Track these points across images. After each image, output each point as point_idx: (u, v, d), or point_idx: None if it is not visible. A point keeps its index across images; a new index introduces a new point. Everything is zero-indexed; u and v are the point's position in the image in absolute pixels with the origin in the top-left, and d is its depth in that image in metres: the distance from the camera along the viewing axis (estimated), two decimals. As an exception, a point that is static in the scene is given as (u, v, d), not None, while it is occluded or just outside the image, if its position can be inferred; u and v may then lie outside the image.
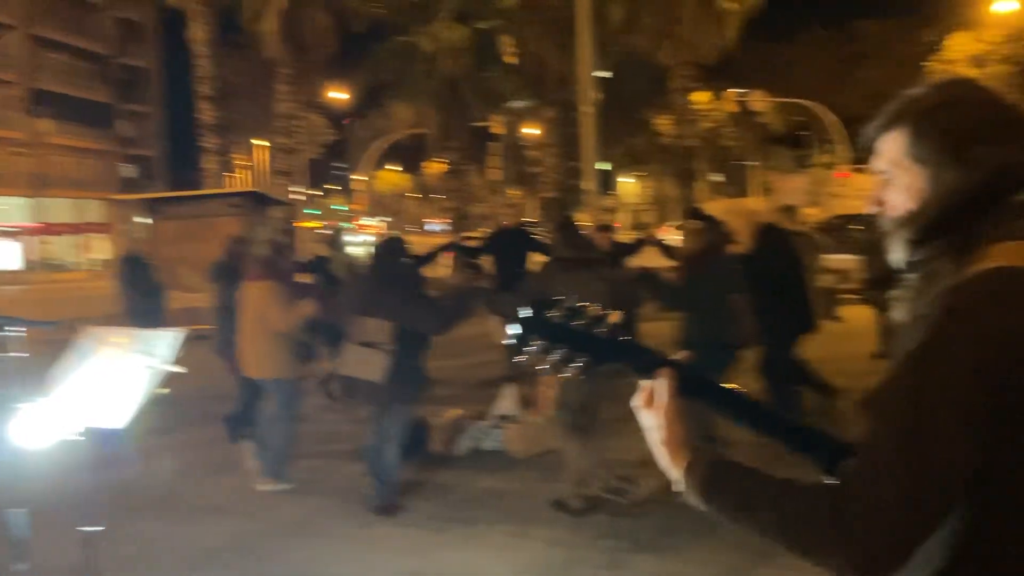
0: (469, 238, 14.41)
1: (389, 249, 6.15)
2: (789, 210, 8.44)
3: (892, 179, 1.39)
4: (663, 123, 42.20)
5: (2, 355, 2.86)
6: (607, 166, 46.90)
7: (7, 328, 2.84)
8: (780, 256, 7.13)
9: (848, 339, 10.41)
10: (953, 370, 1.19)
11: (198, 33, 26.82)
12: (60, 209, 56.10)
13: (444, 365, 10.88)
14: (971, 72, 35.39)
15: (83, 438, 3.29)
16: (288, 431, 6.55)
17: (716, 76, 41.36)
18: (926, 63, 37.62)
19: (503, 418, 7.36)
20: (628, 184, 69.52)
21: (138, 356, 3.11)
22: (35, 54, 53.82)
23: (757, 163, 56.77)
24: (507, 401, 7.54)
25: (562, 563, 4.97)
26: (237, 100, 39.29)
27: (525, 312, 1.46)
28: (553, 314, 1.44)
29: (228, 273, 7.43)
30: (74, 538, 3.94)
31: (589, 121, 16.65)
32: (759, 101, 35.20)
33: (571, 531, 5.44)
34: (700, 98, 33.62)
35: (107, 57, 60.60)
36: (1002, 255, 1.26)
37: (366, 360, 5.67)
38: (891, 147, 1.38)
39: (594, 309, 1.46)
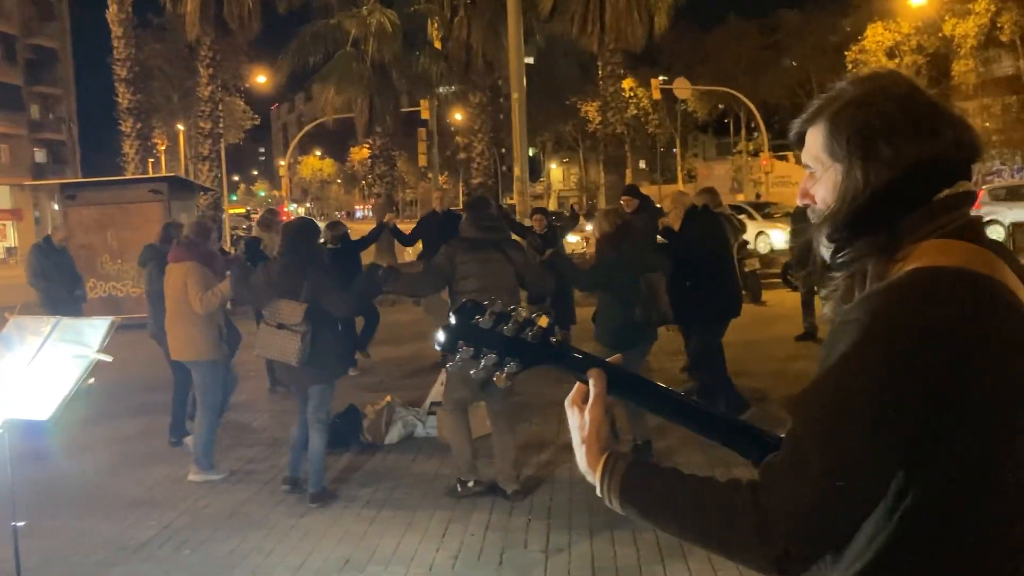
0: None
1: (300, 231, 6.09)
2: (711, 193, 8.57)
3: (816, 174, 1.38)
4: (590, 109, 42.53)
5: None
6: (533, 152, 47.09)
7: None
8: (709, 238, 7.27)
9: (773, 322, 10.68)
10: (875, 374, 1.19)
11: (115, 13, 25.91)
12: (-33, 195, 53.74)
13: (377, 352, 10.85)
14: (885, 62, 36.56)
15: (2, 431, 3.18)
16: (211, 417, 6.47)
17: (641, 63, 41.85)
18: (845, 52, 38.69)
19: (437, 405, 7.34)
20: (556, 170, 69.90)
21: (65, 345, 3.02)
22: (-63, 32, 51.31)
23: (681, 151, 57.77)
24: (441, 388, 7.53)
25: (499, 547, 5.00)
26: (156, 82, 38.12)
27: (452, 318, 1.46)
28: (480, 320, 1.44)
29: (160, 257, 7.27)
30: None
31: (519, 107, 16.66)
32: (683, 89, 35.65)
33: (507, 515, 5.47)
34: (626, 85, 33.91)
35: (14, 37, 58.11)
36: (926, 254, 1.27)
37: (281, 342, 5.64)
38: (812, 143, 1.37)
39: (524, 312, 1.46)
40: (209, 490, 6.23)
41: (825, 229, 1.36)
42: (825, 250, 1.38)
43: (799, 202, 1.43)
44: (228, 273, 6.44)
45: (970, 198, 1.34)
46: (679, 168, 57.88)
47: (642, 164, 62.10)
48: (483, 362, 1.43)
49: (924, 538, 1.25)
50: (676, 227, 7.33)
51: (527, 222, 12.03)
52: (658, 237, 7.56)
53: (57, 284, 9.80)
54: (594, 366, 1.42)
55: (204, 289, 6.26)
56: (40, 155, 61.67)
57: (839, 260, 1.36)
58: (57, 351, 3.00)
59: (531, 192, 17.64)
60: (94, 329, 3.05)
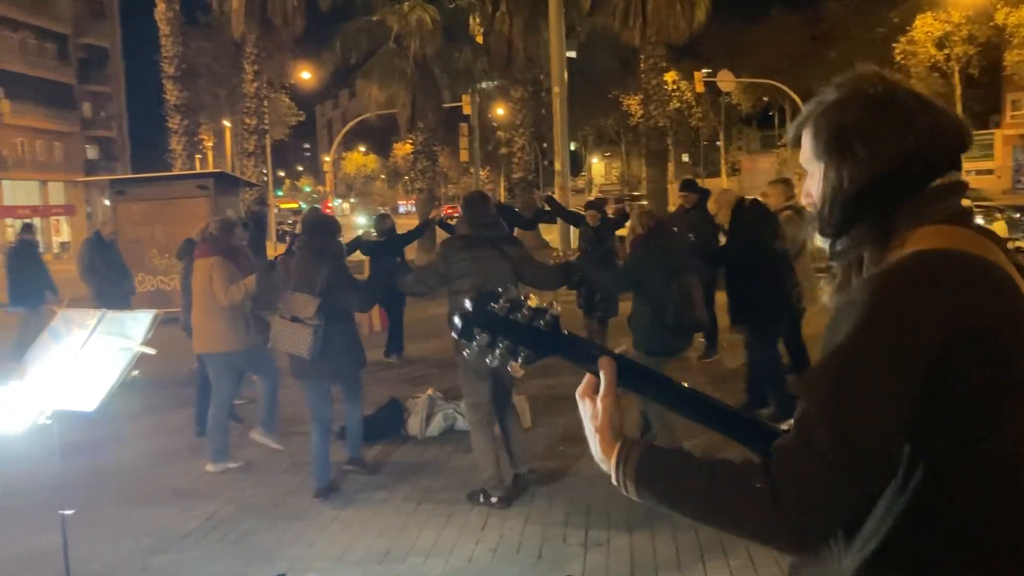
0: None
1: (318, 226, 6.15)
2: (786, 184, 8.25)
3: (810, 174, 1.45)
4: (632, 103, 42.28)
5: None
6: (574, 146, 46.93)
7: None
8: (757, 231, 7.06)
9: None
10: (879, 351, 1.24)
11: (163, 11, 26.33)
12: (21, 191, 55.09)
13: (418, 346, 10.92)
14: (934, 53, 35.81)
15: (51, 422, 3.26)
16: (220, 405, 6.61)
17: (684, 56, 41.47)
18: (892, 43, 37.97)
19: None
20: (598, 164, 69.63)
21: (111, 338, 3.08)
22: (-7, 33, 52.61)
23: (725, 144, 57.17)
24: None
25: (537, 541, 5.01)
26: (203, 80, 38.69)
27: (467, 305, 1.47)
28: (496, 307, 1.45)
29: (187, 251, 7.43)
30: (47, 522, 3.91)
31: (560, 101, 16.62)
32: (726, 82, 35.27)
33: (546, 509, 5.48)
34: (668, 78, 33.64)
35: (68, 36, 59.39)
36: (922, 239, 1.32)
37: (293, 335, 5.70)
38: (804, 145, 1.45)
39: (536, 301, 1.47)
40: (252, 481, 6.32)
41: (815, 224, 1.44)
42: (821, 243, 1.46)
43: (803, 201, 1.50)
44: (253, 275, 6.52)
45: (961, 187, 1.39)
46: (722, 162, 57.30)
47: (685, 158, 61.58)
48: (498, 350, 1.44)
49: (935, 514, 1.28)
50: (726, 225, 7.22)
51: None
52: (721, 237, 7.43)
53: (106, 278, 9.99)
54: (604, 356, 1.44)
55: (229, 282, 6.33)
56: (92, 152, 63.01)
57: (836, 250, 1.43)
58: (102, 344, 3.07)
59: (572, 186, 17.55)
60: (138, 322, 3.11)
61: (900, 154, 1.35)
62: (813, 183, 1.44)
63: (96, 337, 3.08)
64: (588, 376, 1.45)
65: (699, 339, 8.65)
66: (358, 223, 16.74)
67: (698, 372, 8.97)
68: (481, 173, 41.91)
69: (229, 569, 4.75)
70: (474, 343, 1.46)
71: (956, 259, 1.29)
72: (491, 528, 5.22)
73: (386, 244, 10.51)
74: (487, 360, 1.45)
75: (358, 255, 10.74)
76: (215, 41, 37.97)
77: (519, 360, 1.45)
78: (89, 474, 6.26)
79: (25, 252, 11.41)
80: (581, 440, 1.50)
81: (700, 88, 35.95)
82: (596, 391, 1.44)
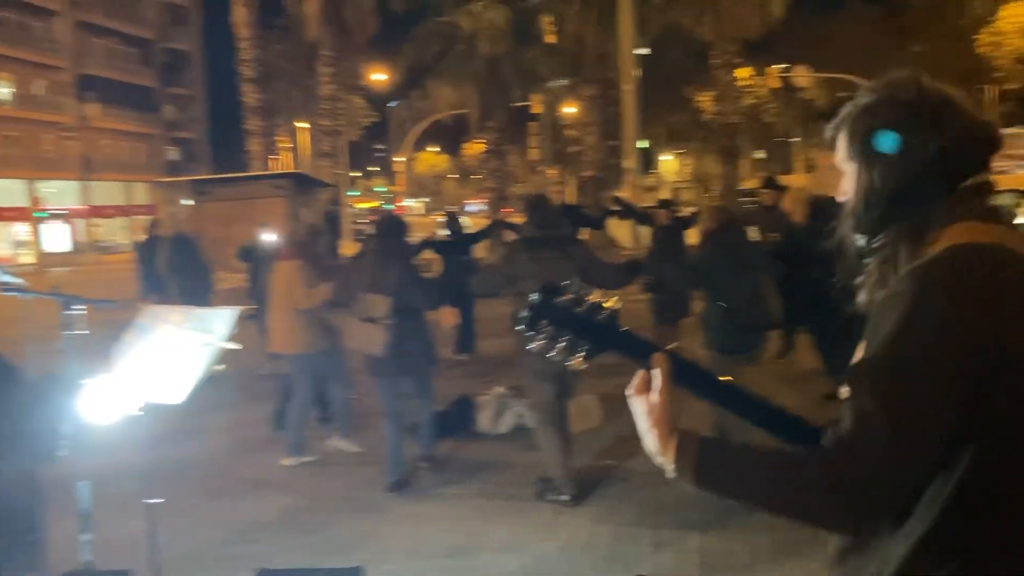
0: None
1: (390, 227, 6.28)
2: None
3: (846, 173, 1.52)
4: (704, 100, 41.73)
5: (68, 333, 2.96)
6: (646, 144, 46.50)
7: (73, 307, 2.93)
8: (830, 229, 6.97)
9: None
10: (928, 339, 1.30)
11: (241, 16, 27.01)
12: (107, 192, 57.13)
13: (489, 344, 10.98)
14: (1020, 44, 34.46)
15: (142, 413, 3.39)
16: (302, 405, 6.79)
17: (758, 51, 40.75)
18: (977, 36, 36.67)
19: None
20: (669, 162, 68.91)
21: (195, 334, 3.20)
22: (82, 40, 54.68)
23: (800, 140, 55.96)
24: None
25: (607, 539, 5.01)
26: (279, 82, 39.53)
27: (534, 298, 1.50)
28: (560, 300, 1.49)
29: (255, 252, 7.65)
30: (135, 510, 4.07)
31: (630, 99, 16.52)
32: (802, 77, 34.55)
33: (617, 508, 5.48)
34: (742, 74, 33.12)
35: (151, 41, 61.37)
36: (956, 235, 1.38)
37: (367, 334, 5.82)
38: (839, 146, 1.52)
39: (595, 296, 1.51)
40: (327, 475, 6.46)
41: (849, 222, 1.52)
42: (858, 240, 1.52)
43: (840, 199, 1.56)
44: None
45: (991, 187, 1.47)
46: (797, 159, 56.10)
47: (758, 154, 60.51)
48: (561, 344, 1.48)
49: (983, 500, 1.31)
50: (802, 223, 7.08)
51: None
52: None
53: (186, 275, 10.26)
54: (658, 352, 1.47)
55: (310, 286, 6.49)
56: (173, 153, 64.98)
57: (872, 247, 1.49)
58: (188, 339, 3.19)
59: (643, 184, 17.44)
60: (221, 318, 3.23)
61: (930, 156, 1.41)
62: (848, 183, 1.51)
63: (182, 333, 3.20)
64: (640, 373, 1.49)
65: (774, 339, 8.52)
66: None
67: (772, 372, 8.82)
68: (550, 172, 41.90)
69: (305, 560, 4.87)
70: (539, 336, 1.49)
71: (994, 251, 1.36)
72: (561, 525, 5.24)
73: (455, 243, 10.61)
74: (551, 353, 1.49)
75: (429, 253, 10.88)
76: (291, 44, 38.73)
77: (580, 354, 1.48)
78: (172, 465, 6.46)
79: (151, 247, 11.80)
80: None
81: (774, 84, 35.31)
82: (648, 387, 1.47)
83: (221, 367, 3.28)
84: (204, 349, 3.16)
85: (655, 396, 1.45)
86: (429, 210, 74.72)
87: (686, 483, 1.42)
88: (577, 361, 1.50)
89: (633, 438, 5.53)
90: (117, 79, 56.86)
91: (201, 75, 67.27)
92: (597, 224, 13.01)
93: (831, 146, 1.55)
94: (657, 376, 1.46)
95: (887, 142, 1.43)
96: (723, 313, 5.96)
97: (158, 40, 62.04)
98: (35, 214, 46.52)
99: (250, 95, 28.03)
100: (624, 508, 5.47)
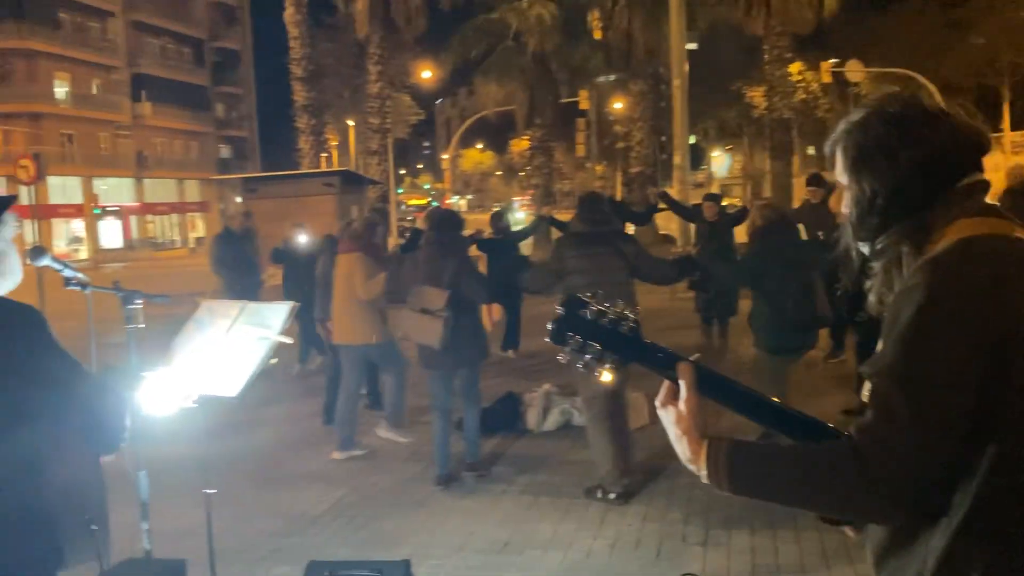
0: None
1: (444, 221, 6.33)
2: None
3: (845, 186, 1.59)
4: (755, 95, 41.23)
5: (127, 327, 3.03)
6: (694, 139, 46.10)
7: (134, 302, 3.00)
8: None
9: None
10: (945, 325, 1.34)
11: (292, 15, 27.34)
12: (161, 189, 58.29)
13: (536, 341, 10.99)
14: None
15: (197, 406, 3.46)
16: (398, 385, 6.91)
17: (810, 46, 40.11)
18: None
19: (594, 394, 7.38)
20: (718, 158, 68.24)
21: (250, 328, 3.25)
22: (136, 40, 55.83)
23: (853, 136, 54.81)
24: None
25: (656, 538, 4.98)
26: (328, 80, 39.96)
27: (559, 310, 1.52)
28: (585, 312, 1.51)
29: (325, 247, 7.75)
30: (191, 500, 4.15)
31: (680, 94, 16.39)
32: (856, 72, 33.93)
33: (664, 507, 5.45)
34: (793, 69, 32.64)
35: (203, 41, 62.44)
36: (961, 230, 1.44)
37: (423, 326, 5.88)
38: (836, 162, 1.60)
39: (621, 307, 1.53)
40: (376, 469, 6.53)
41: (850, 232, 1.59)
42: (861, 247, 1.58)
43: (843, 211, 1.63)
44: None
45: (984, 186, 1.52)
46: (850, 155, 55.11)
47: (811, 150, 59.60)
48: (588, 355, 1.51)
49: (1013, 488, 1.34)
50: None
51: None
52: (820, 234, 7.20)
53: (235, 271, 10.38)
54: (682, 362, 1.52)
55: (368, 278, 6.61)
56: (224, 151, 66.10)
57: (877, 249, 1.54)
58: (243, 333, 3.25)
59: (692, 180, 17.28)
60: (276, 313, 3.28)
61: (920, 162, 1.48)
62: (846, 194, 1.59)
63: (238, 326, 3.26)
64: (666, 384, 1.53)
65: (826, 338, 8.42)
66: (514, 219, 17.19)
67: (823, 372, 8.71)
68: (597, 168, 41.75)
69: (354, 553, 4.92)
70: (567, 347, 1.52)
71: (1001, 240, 1.42)
72: (609, 524, 5.23)
73: (502, 240, 10.63)
74: (578, 365, 1.51)
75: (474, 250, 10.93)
76: (339, 43, 39.16)
77: (606, 365, 1.51)
78: (226, 457, 6.59)
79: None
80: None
81: (827, 79, 34.76)
82: (675, 397, 1.51)
83: (274, 361, 3.33)
84: (259, 343, 3.21)
85: (682, 405, 1.50)
86: (473, 207, 74.93)
87: (721, 488, 1.46)
88: (602, 373, 1.53)
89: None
90: (170, 78, 57.95)
91: (251, 74, 68.30)
92: (643, 220, 12.93)
93: (830, 161, 1.62)
94: (682, 385, 1.50)
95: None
96: (772, 312, 5.90)
97: (209, 39, 63.11)
98: (95, 211, 47.58)
99: (300, 93, 28.35)
100: (673, 507, 5.44)
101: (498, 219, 11.15)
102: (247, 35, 68.26)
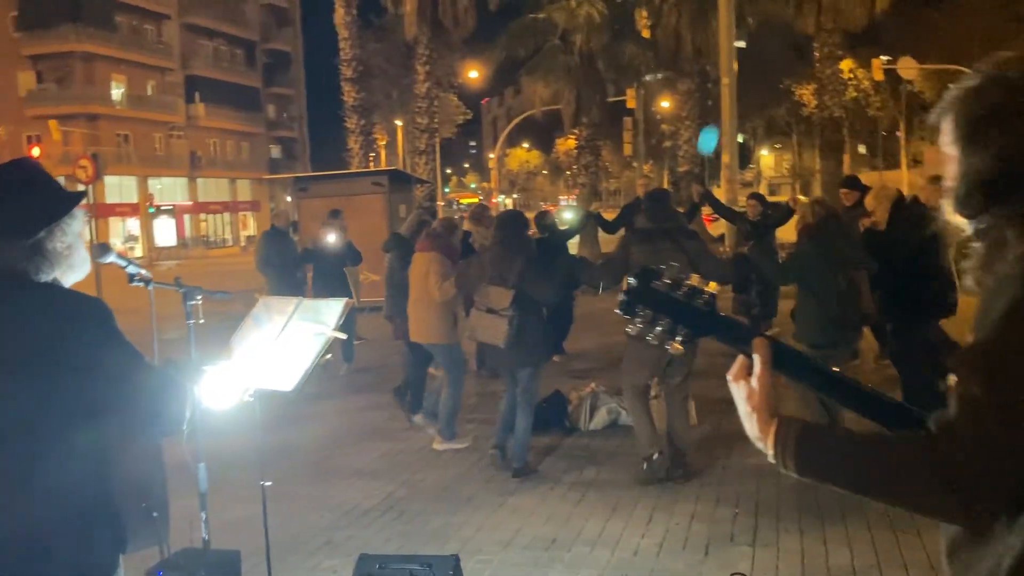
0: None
1: (511, 222, 6.41)
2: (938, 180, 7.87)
3: (949, 158, 1.48)
4: (805, 93, 40.68)
5: (188, 322, 3.11)
6: (742, 138, 45.61)
7: (195, 297, 3.09)
8: (916, 232, 6.69)
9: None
10: None
11: (342, 16, 27.63)
12: (213, 188, 59.35)
13: (583, 341, 11.00)
14: None
15: (254, 399, 3.55)
16: (454, 393, 6.88)
17: (861, 43, 39.45)
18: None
19: (641, 393, 7.37)
20: (767, 157, 67.45)
21: (306, 323, 3.32)
22: (190, 42, 56.91)
23: (906, 134, 53.93)
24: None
25: (704, 537, 4.97)
26: (377, 81, 40.31)
27: (632, 282, 1.50)
28: (659, 284, 1.48)
29: (404, 247, 7.83)
30: (246, 492, 4.25)
31: (728, 92, 16.24)
32: (908, 68, 33.27)
33: (713, 506, 5.43)
34: (844, 66, 32.13)
35: (254, 42, 63.41)
36: None
37: (490, 326, 5.97)
38: (944, 131, 1.48)
39: (695, 280, 1.48)
40: (424, 465, 6.60)
41: (952, 206, 1.48)
42: (962, 224, 1.48)
43: (946, 184, 1.52)
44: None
45: None
46: (903, 153, 54.16)
47: (862, 149, 58.64)
48: (658, 328, 1.47)
49: None
50: (883, 225, 6.83)
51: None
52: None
53: (281, 269, 10.48)
54: (758, 337, 1.46)
55: (443, 279, 6.62)
56: (275, 151, 67.09)
57: (979, 228, 1.45)
58: (299, 329, 3.32)
59: (740, 179, 17.11)
60: (331, 309, 3.35)
61: None
62: (952, 167, 1.48)
63: (294, 322, 3.33)
64: (740, 358, 1.47)
65: (872, 340, 8.30)
66: (564, 218, 17.29)
67: (873, 373, 8.59)
68: (644, 167, 41.52)
69: (404, 547, 4.99)
70: (637, 320, 1.48)
71: None
72: (656, 522, 5.22)
73: (547, 240, 10.55)
74: (648, 337, 1.48)
75: None
76: (387, 43, 39.48)
77: (678, 339, 1.47)
78: (279, 450, 6.72)
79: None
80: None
81: (879, 76, 34.16)
82: (748, 373, 1.46)
83: (328, 356, 3.40)
84: (314, 339, 3.28)
85: (755, 381, 1.44)
86: (519, 206, 74.96)
87: (787, 470, 1.40)
88: (674, 345, 1.50)
89: (729, 437, 5.53)
90: (222, 79, 58.97)
91: (301, 75, 69.20)
92: (687, 218, 12.81)
93: (936, 131, 1.52)
94: (757, 361, 1.44)
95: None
96: (818, 307, 5.89)
97: (261, 41, 64.08)
98: (149, 209, 48.61)
99: (350, 94, 28.66)
100: (722, 506, 5.42)
101: (543, 218, 11.10)
102: (298, 37, 69.20)
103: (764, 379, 1.44)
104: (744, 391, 1.46)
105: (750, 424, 1.46)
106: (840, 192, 9.44)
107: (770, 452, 1.42)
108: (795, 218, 7.76)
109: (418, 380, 7.75)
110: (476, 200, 61.83)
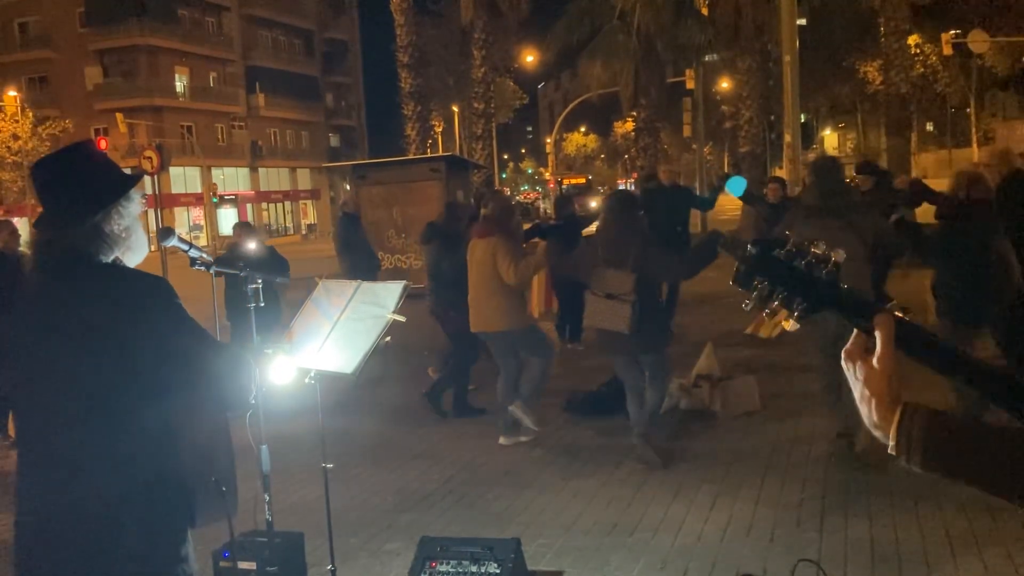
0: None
1: (623, 203, 6.18)
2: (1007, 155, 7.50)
3: None
4: (870, 70, 39.64)
5: (250, 306, 3.13)
6: (805, 117, 44.67)
7: (255, 281, 3.11)
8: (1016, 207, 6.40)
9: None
10: None
11: (398, 3, 27.74)
12: (274, 177, 60.28)
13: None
14: None
15: (314, 382, 3.57)
16: (542, 376, 6.67)
17: (928, 17, 38.26)
18: None
19: (703, 378, 7.26)
20: (830, 136, 66.01)
21: (365, 306, 3.32)
22: (249, 33, 57.75)
23: (976, 111, 52.25)
24: (707, 361, 7.44)
25: (769, 523, 4.87)
26: (433, 68, 40.45)
27: (752, 250, 1.38)
28: (779, 253, 1.34)
29: (444, 237, 7.70)
30: (308, 476, 4.30)
31: (790, 71, 15.87)
32: (979, 42, 32.15)
33: (778, 492, 5.32)
34: (911, 41, 31.17)
35: (312, 32, 64.07)
36: None
37: (611, 311, 5.74)
38: None
39: (820, 248, 1.34)
40: (484, 449, 6.59)
41: None
42: None
43: None
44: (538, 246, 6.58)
45: None
46: (973, 130, 52.48)
47: (929, 127, 57.01)
48: (775, 301, 1.34)
49: None
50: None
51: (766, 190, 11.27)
52: (892, 216, 6.77)
53: (359, 254, 10.61)
54: (882, 313, 1.30)
55: (514, 261, 6.38)
56: (334, 140, 67.82)
57: None
58: (358, 312, 3.32)
59: (803, 159, 16.69)
60: (389, 292, 3.34)
61: None
62: None
63: (353, 305, 3.33)
64: (856, 335, 1.33)
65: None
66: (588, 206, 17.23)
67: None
68: (704, 149, 40.92)
69: (465, 531, 4.99)
70: (753, 293, 1.35)
71: None
72: (720, 508, 5.14)
73: (563, 227, 10.22)
74: (764, 313, 1.38)
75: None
76: (444, 29, 39.57)
77: (794, 313, 1.34)
78: (341, 433, 6.78)
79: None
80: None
81: (948, 51, 33.05)
82: (864, 352, 1.32)
83: (387, 339, 3.40)
84: (374, 321, 3.28)
85: (876, 362, 1.29)
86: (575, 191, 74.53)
87: (909, 463, 1.27)
88: (788, 322, 1.38)
89: (792, 419, 5.38)
90: (282, 69, 59.75)
91: (359, 63, 69.75)
92: (707, 204, 12.45)
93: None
94: (879, 339, 1.29)
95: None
96: (965, 280, 5.62)
97: (319, 30, 64.71)
98: (213, 199, 49.61)
99: (407, 81, 28.80)
100: (787, 491, 5.31)
101: (563, 205, 10.83)
102: (355, 25, 69.70)
103: (886, 360, 1.28)
104: (862, 372, 1.31)
105: (867, 410, 1.31)
106: (857, 178, 9.13)
107: (891, 443, 1.28)
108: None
109: (464, 372, 7.61)
110: (583, 181, 60.18)
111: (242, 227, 8.71)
